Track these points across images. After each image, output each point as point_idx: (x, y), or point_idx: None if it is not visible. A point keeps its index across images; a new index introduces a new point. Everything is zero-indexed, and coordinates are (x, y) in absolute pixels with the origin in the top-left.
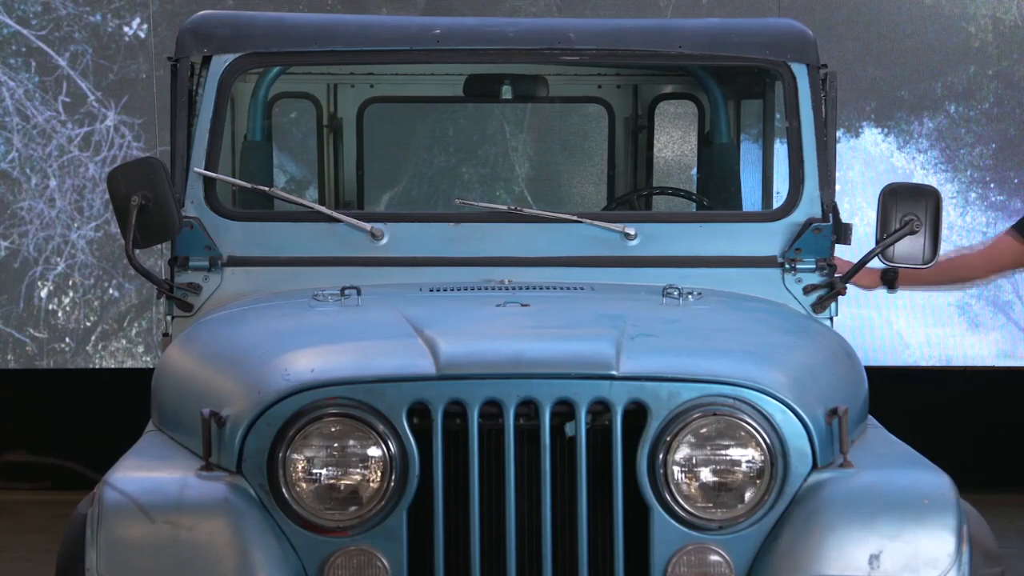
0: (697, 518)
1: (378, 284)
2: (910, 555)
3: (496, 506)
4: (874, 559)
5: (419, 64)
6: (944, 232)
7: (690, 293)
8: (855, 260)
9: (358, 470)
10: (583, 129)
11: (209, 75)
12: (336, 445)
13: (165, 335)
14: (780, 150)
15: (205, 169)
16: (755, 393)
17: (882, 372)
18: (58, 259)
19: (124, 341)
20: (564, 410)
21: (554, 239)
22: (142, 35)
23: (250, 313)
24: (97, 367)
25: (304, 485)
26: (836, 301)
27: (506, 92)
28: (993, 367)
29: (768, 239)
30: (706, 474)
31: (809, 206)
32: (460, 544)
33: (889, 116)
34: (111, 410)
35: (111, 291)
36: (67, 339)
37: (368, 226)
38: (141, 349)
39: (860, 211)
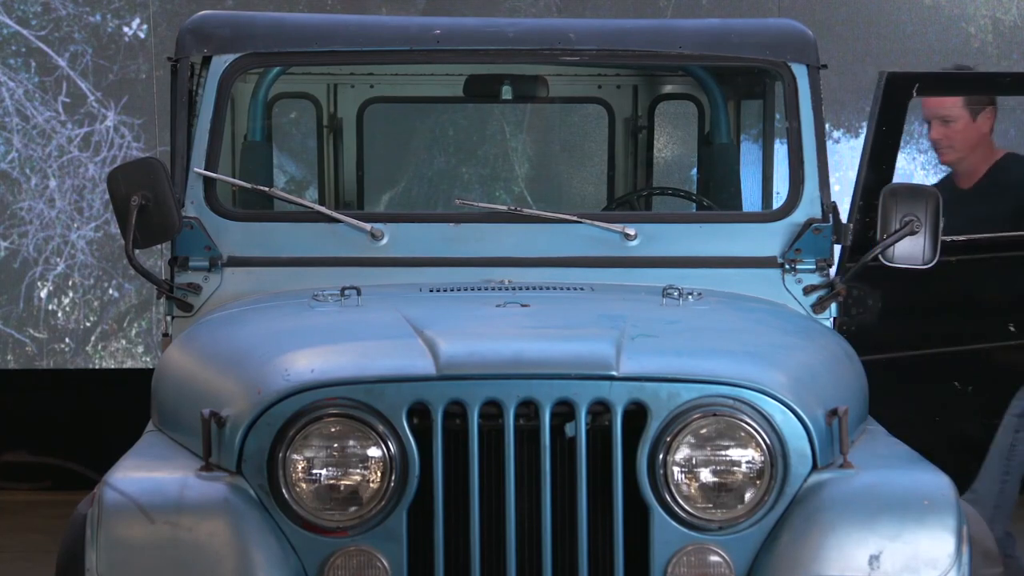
0: (697, 518)
1: (378, 284)
2: (910, 556)
3: (496, 506)
4: (874, 560)
5: (419, 64)
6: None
7: (690, 293)
8: None
9: (358, 470)
10: (583, 129)
11: (209, 75)
12: (336, 445)
13: (165, 335)
14: (780, 150)
15: (205, 169)
16: (755, 394)
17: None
18: (58, 259)
19: (124, 341)
20: (564, 410)
21: (554, 239)
22: (142, 35)
23: (250, 313)
24: (97, 367)
25: (304, 485)
26: (836, 302)
27: (506, 92)
28: None
29: (768, 239)
30: (706, 474)
31: (809, 206)
32: (460, 544)
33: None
34: (111, 410)
35: (111, 291)
36: (67, 339)
37: (368, 226)
38: (141, 349)
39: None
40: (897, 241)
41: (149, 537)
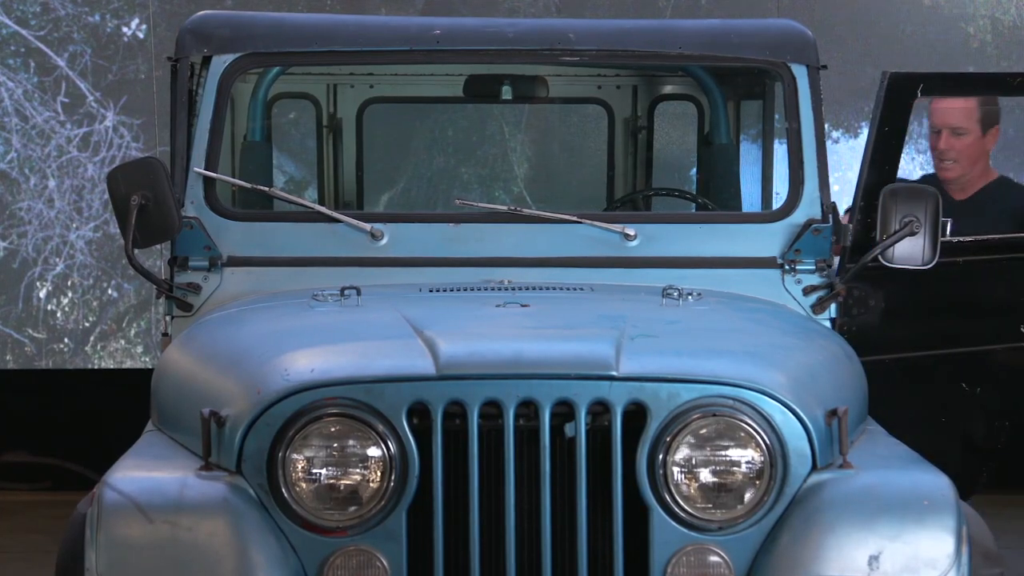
0: (697, 519)
1: (378, 284)
2: (910, 556)
3: (496, 507)
4: (873, 560)
5: (419, 64)
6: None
7: (690, 294)
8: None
9: (358, 470)
10: (582, 129)
11: (209, 75)
12: (336, 445)
13: (165, 335)
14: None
15: (205, 169)
16: (755, 394)
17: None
18: (57, 259)
19: (123, 341)
20: (564, 411)
21: (554, 240)
22: (141, 35)
23: (250, 313)
24: (96, 367)
25: (304, 485)
26: (836, 302)
27: (506, 93)
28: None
29: (768, 240)
30: (706, 475)
31: (809, 207)
32: (459, 544)
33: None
34: (110, 410)
35: (110, 291)
36: (66, 339)
37: (368, 226)
38: (140, 349)
39: None
40: (897, 242)
41: (149, 537)
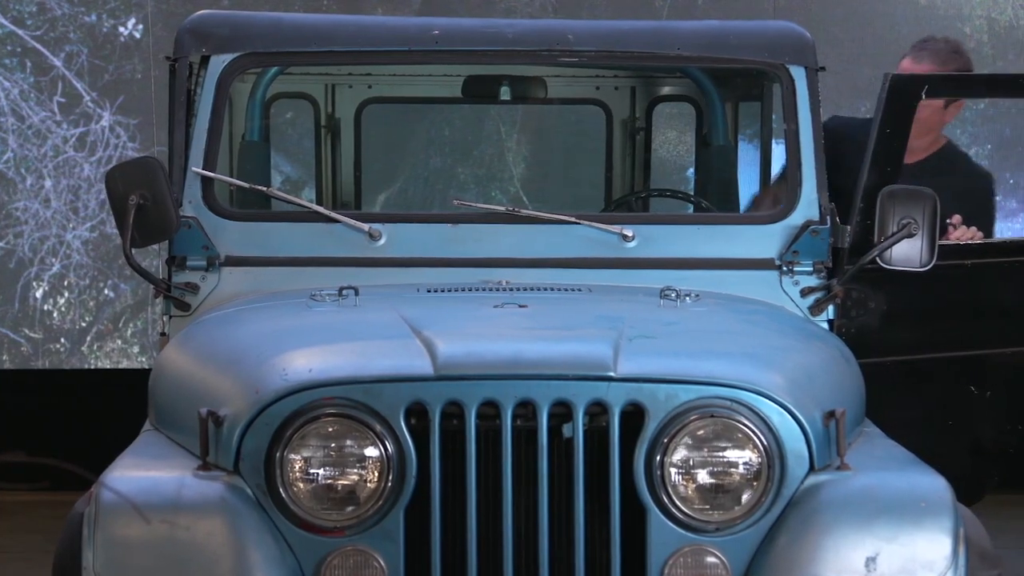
0: (694, 520)
1: (376, 284)
2: (907, 558)
3: (493, 507)
4: (870, 562)
5: (417, 65)
6: None
7: (688, 295)
8: None
9: (355, 470)
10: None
11: (207, 75)
12: (333, 445)
13: (162, 334)
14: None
15: (203, 169)
16: (752, 395)
17: None
18: (53, 259)
19: (119, 342)
20: (562, 411)
21: (552, 240)
22: (137, 35)
23: (248, 313)
24: (92, 367)
25: (301, 485)
26: (833, 304)
27: (504, 93)
28: None
29: (765, 241)
30: (703, 476)
31: (807, 209)
32: (457, 545)
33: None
34: (106, 411)
35: (106, 292)
36: (62, 339)
37: (366, 226)
38: (136, 349)
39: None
40: (895, 243)
41: (146, 536)
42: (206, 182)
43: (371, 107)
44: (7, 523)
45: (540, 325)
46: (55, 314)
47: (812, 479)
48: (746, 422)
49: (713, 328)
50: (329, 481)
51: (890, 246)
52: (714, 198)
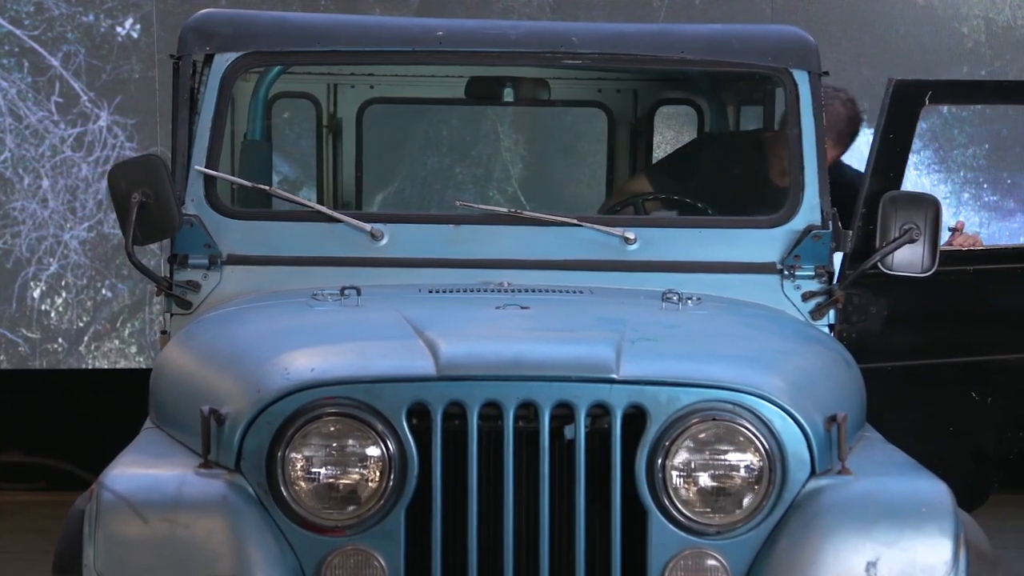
0: (695, 523)
1: (377, 284)
2: (907, 562)
3: (494, 508)
4: (871, 566)
5: (420, 65)
6: None
7: (689, 298)
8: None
9: (357, 470)
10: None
11: (211, 73)
12: (335, 445)
13: (164, 333)
14: None
15: (206, 167)
16: (754, 399)
17: None
18: (51, 259)
19: (117, 342)
20: (563, 413)
21: (554, 242)
22: (135, 35)
23: (249, 312)
24: (90, 367)
25: (303, 484)
26: (834, 308)
27: (507, 95)
28: None
29: (767, 245)
30: (704, 479)
31: (809, 213)
32: (458, 545)
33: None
34: (104, 411)
35: (104, 291)
36: (60, 339)
37: (368, 226)
38: (134, 349)
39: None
40: (896, 249)
41: (147, 534)
42: (208, 180)
43: (373, 107)
44: (5, 523)
45: (542, 326)
46: (53, 314)
47: (813, 483)
48: (748, 425)
49: (715, 331)
50: (330, 480)
51: (892, 251)
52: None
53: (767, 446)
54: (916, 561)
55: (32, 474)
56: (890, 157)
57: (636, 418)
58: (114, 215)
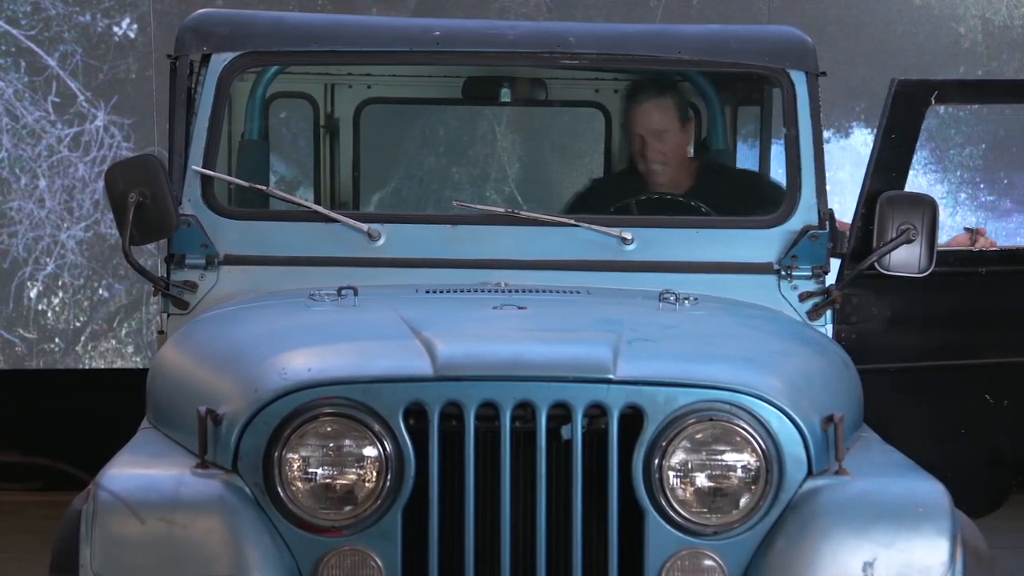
0: (692, 523)
1: (374, 285)
2: (904, 563)
3: (491, 508)
4: (868, 567)
5: (417, 65)
6: None
7: (687, 298)
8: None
9: (354, 470)
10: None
11: (208, 73)
12: (332, 445)
13: (160, 333)
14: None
15: (203, 167)
16: (751, 399)
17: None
18: (48, 259)
19: (114, 342)
20: (560, 413)
21: (551, 242)
22: (132, 35)
23: (246, 312)
24: (87, 367)
25: (299, 484)
26: (832, 309)
27: (504, 95)
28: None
29: (764, 246)
30: (701, 479)
31: (806, 213)
32: (454, 546)
33: (879, 116)
34: (101, 411)
35: (101, 291)
36: (57, 339)
37: (365, 227)
38: (131, 349)
39: (851, 211)
40: (893, 249)
41: (144, 534)
42: (206, 180)
43: (370, 107)
44: (1, 524)
45: (539, 327)
46: (49, 314)
47: (810, 484)
48: (745, 426)
49: (712, 332)
50: (327, 481)
51: (889, 251)
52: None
53: (764, 446)
54: (913, 561)
55: (29, 474)
56: (892, 157)
57: (633, 418)
58: (111, 215)
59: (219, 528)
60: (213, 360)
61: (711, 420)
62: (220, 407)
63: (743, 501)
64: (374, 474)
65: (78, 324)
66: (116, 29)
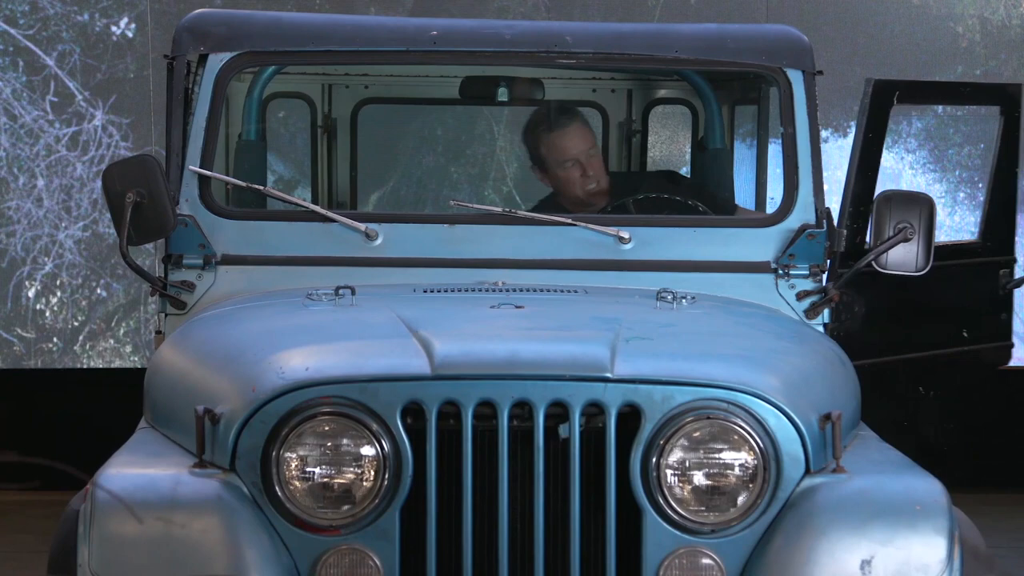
0: (689, 521)
1: (372, 284)
2: (902, 561)
3: (489, 507)
4: (866, 564)
5: (415, 65)
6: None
7: (684, 297)
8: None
9: (351, 469)
10: None
11: (205, 73)
12: (330, 444)
13: (158, 332)
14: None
15: (200, 167)
16: (749, 397)
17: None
18: (46, 259)
19: (112, 341)
20: (558, 412)
21: (548, 242)
22: (130, 34)
23: (244, 311)
24: (85, 367)
25: (297, 483)
26: (829, 307)
27: (501, 95)
28: None
29: (762, 244)
30: (699, 477)
31: (803, 212)
32: (452, 545)
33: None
34: (99, 410)
35: (99, 291)
36: (55, 339)
37: (363, 226)
38: (129, 349)
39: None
40: (890, 247)
41: (142, 533)
42: (203, 180)
43: (367, 107)
44: None
45: (537, 326)
46: (47, 313)
47: (808, 481)
48: (742, 424)
49: (709, 330)
50: (325, 480)
51: (886, 250)
52: (710, 201)
53: (761, 444)
54: (911, 559)
55: (26, 474)
56: (870, 156)
57: (631, 417)
58: (109, 215)
59: (217, 527)
60: (211, 360)
61: (708, 418)
62: (218, 406)
63: (741, 499)
64: (372, 473)
65: (76, 324)
66: (114, 28)
